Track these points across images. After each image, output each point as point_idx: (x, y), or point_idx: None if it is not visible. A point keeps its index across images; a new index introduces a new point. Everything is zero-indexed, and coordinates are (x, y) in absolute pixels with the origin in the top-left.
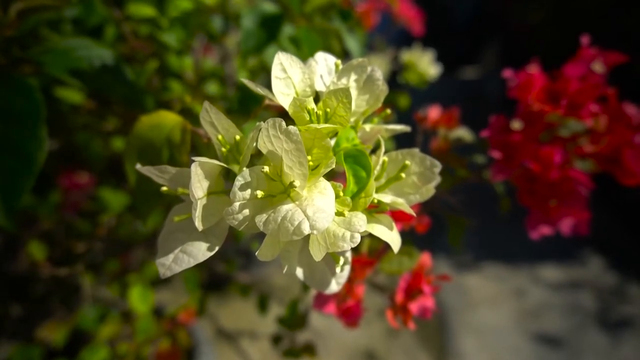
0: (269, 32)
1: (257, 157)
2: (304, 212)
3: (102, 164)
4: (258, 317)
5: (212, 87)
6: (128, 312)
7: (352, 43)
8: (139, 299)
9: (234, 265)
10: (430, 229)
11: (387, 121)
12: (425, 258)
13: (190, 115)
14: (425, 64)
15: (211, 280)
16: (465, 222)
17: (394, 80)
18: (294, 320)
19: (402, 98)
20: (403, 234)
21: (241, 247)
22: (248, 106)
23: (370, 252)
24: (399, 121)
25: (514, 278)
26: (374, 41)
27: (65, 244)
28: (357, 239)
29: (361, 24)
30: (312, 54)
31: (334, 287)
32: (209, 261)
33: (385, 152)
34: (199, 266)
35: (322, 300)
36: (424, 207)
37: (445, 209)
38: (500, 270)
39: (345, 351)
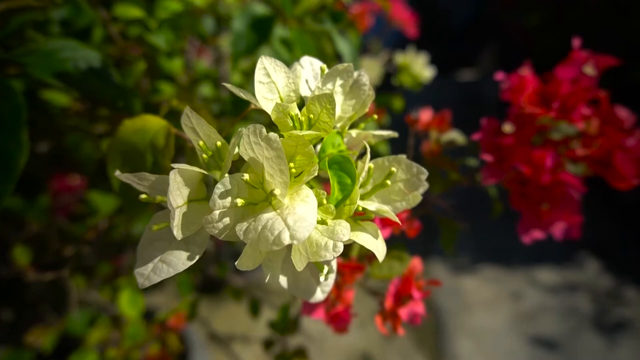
0: (260, 34)
1: (240, 163)
2: (285, 221)
3: (92, 167)
4: (252, 321)
5: (205, 89)
6: (118, 317)
7: (344, 45)
8: (128, 304)
9: (226, 269)
10: (426, 232)
11: (380, 124)
12: (415, 262)
13: (177, 119)
14: (420, 67)
15: (205, 284)
16: (458, 226)
17: (388, 82)
18: (286, 324)
19: (397, 100)
20: (398, 237)
21: (236, 250)
22: (242, 108)
23: (360, 257)
24: (394, 123)
25: (510, 281)
26: (369, 43)
27: (55, 247)
28: (340, 248)
29: (355, 26)
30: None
31: (319, 295)
32: (203, 265)
33: (373, 158)
34: (193, 270)
35: (310, 306)
36: (417, 211)
37: (439, 213)
38: (497, 272)
39: (341, 355)
